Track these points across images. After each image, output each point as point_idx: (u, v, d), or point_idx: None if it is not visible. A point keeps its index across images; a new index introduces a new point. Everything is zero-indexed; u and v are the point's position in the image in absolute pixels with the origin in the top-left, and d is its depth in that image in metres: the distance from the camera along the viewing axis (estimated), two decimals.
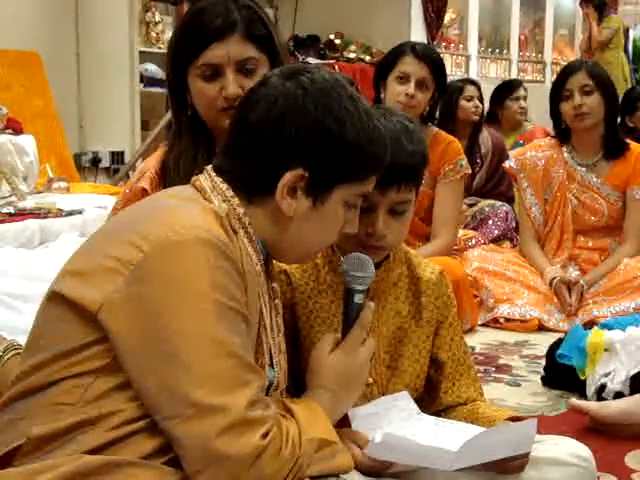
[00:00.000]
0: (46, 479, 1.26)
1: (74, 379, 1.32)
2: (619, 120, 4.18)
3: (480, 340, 3.64)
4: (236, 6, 1.97)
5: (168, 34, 7.20)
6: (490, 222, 4.96)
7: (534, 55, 11.24)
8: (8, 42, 5.99)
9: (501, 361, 3.36)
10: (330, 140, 1.40)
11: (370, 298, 1.62)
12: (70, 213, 4.75)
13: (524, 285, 3.96)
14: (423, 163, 1.67)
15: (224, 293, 1.31)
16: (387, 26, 8.30)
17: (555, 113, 4.01)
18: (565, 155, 4.06)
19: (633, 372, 2.70)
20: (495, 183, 5.44)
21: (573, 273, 4.00)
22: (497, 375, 3.17)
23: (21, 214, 4.60)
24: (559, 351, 2.91)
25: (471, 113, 5.39)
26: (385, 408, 1.65)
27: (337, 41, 8.55)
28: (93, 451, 1.29)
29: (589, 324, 3.46)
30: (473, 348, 3.44)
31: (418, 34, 8.60)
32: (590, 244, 4.08)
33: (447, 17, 9.46)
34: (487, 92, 6.31)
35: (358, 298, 1.55)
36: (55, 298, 1.36)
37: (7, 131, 5.33)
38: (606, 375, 2.75)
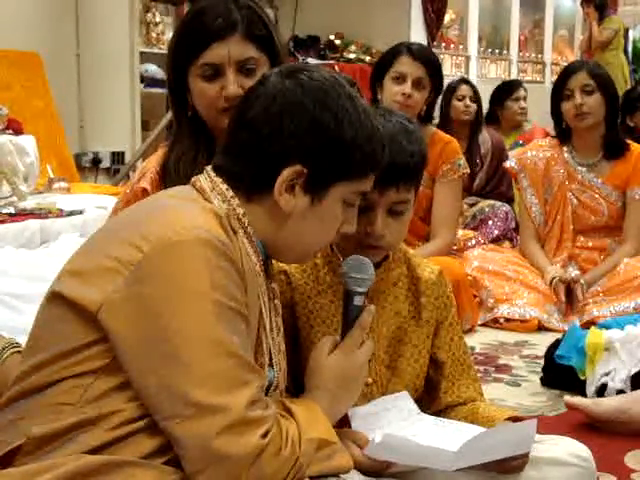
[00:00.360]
0: (46, 479, 1.26)
1: (74, 379, 1.32)
2: (619, 120, 4.18)
3: (480, 340, 3.64)
4: (236, 6, 1.97)
5: (168, 35, 7.20)
6: (490, 222, 4.97)
7: (534, 55, 11.23)
8: (8, 42, 5.99)
9: (501, 361, 3.36)
10: (328, 137, 1.41)
11: (370, 298, 1.63)
12: (70, 213, 4.75)
13: (524, 285, 3.96)
14: (422, 163, 1.67)
15: (224, 293, 1.31)
16: (387, 27, 8.29)
17: (556, 113, 4.01)
18: (565, 155, 4.06)
19: (634, 370, 2.70)
20: (495, 183, 5.45)
21: (573, 272, 4.00)
22: (497, 375, 3.17)
23: (22, 214, 4.60)
24: (558, 352, 2.91)
25: (461, 112, 5.38)
26: (385, 408, 1.65)
27: (337, 42, 8.54)
28: (93, 451, 1.29)
29: (589, 324, 3.46)
30: (473, 348, 3.44)
31: (418, 35, 8.59)
32: (590, 244, 4.08)
33: (447, 17, 9.45)
34: (487, 92, 6.32)
35: (358, 300, 1.55)
36: (55, 298, 1.37)
37: (7, 131, 5.32)
38: (606, 374, 2.76)
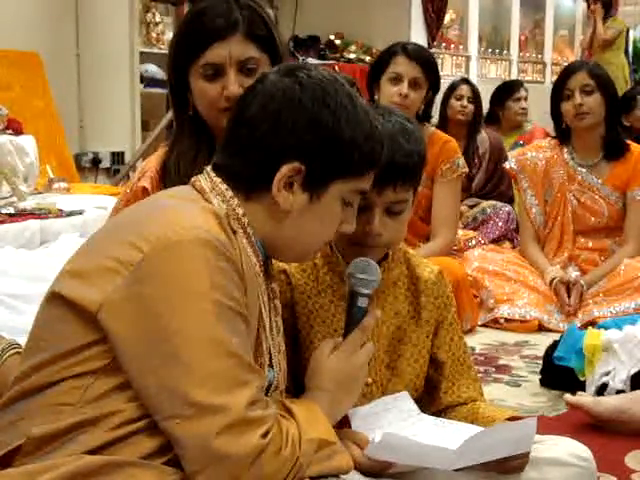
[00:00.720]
0: (46, 479, 1.26)
1: (74, 379, 1.32)
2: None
3: (480, 340, 3.64)
4: (237, 6, 1.97)
5: (168, 35, 7.20)
6: (491, 223, 4.97)
7: (534, 55, 11.24)
8: (8, 42, 6.00)
9: (501, 361, 3.36)
10: (326, 135, 1.41)
11: (371, 299, 1.63)
12: (70, 213, 4.75)
13: (524, 285, 3.96)
14: (421, 163, 1.67)
15: (224, 293, 1.31)
16: (387, 27, 8.29)
17: (556, 113, 4.01)
18: (565, 156, 4.06)
19: (634, 371, 2.70)
20: (495, 184, 5.44)
21: (573, 273, 4.00)
22: (497, 375, 3.17)
23: (21, 214, 4.60)
24: (556, 353, 2.91)
25: (457, 112, 5.38)
26: (385, 408, 1.65)
27: (337, 42, 8.54)
28: (93, 451, 1.29)
29: (589, 324, 3.46)
30: (473, 348, 3.44)
31: (418, 35, 8.59)
32: (590, 245, 4.08)
33: (447, 17, 9.45)
34: (487, 93, 6.32)
35: (362, 302, 1.55)
36: (55, 299, 1.36)
37: (7, 131, 5.33)
38: (606, 374, 2.75)
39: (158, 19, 7.38)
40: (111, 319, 1.30)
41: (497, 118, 6.22)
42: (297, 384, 1.60)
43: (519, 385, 3.07)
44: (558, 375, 2.92)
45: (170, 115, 2.19)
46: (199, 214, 1.36)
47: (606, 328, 2.89)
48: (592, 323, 3.47)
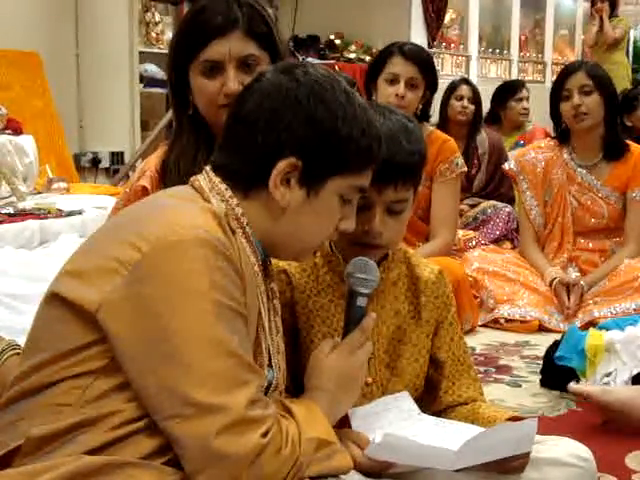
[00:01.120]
0: (46, 479, 1.25)
1: (74, 380, 1.32)
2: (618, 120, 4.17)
3: (480, 341, 3.64)
4: (237, 4, 1.97)
5: (168, 34, 7.21)
6: (491, 223, 4.96)
7: (534, 55, 11.24)
8: (8, 42, 6.00)
9: (501, 362, 3.36)
10: (322, 131, 1.41)
11: (370, 298, 1.62)
12: (70, 214, 4.75)
13: (524, 286, 3.96)
14: (421, 162, 1.67)
15: (223, 293, 1.30)
16: (387, 26, 8.30)
17: (555, 114, 4.01)
18: (565, 156, 4.06)
19: (636, 371, 2.70)
20: (496, 184, 5.43)
21: (573, 274, 4.00)
22: (497, 376, 3.17)
23: (21, 214, 4.60)
24: (557, 353, 2.91)
25: (457, 112, 5.37)
26: (385, 408, 1.64)
27: (337, 41, 8.55)
28: (93, 451, 1.29)
29: (589, 325, 3.46)
30: (473, 349, 3.44)
31: (418, 34, 8.60)
32: (590, 245, 4.08)
33: (447, 17, 9.46)
34: (487, 93, 6.31)
35: (361, 301, 1.55)
36: (54, 299, 1.36)
37: (7, 131, 5.33)
38: (607, 375, 2.75)
39: (158, 19, 7.38)
40: (110, 319, 1.29)
41: (498, 118, 6.21)
42: (297, 384, 1.59)
43: (519, 385, 3.06)
44: (558, 375, 2.92)
45: (170, 115, 2.19)
46: (198, 214, 1.36)
47: (607, 329, 2.89)
48: (592, 323, 3.47)
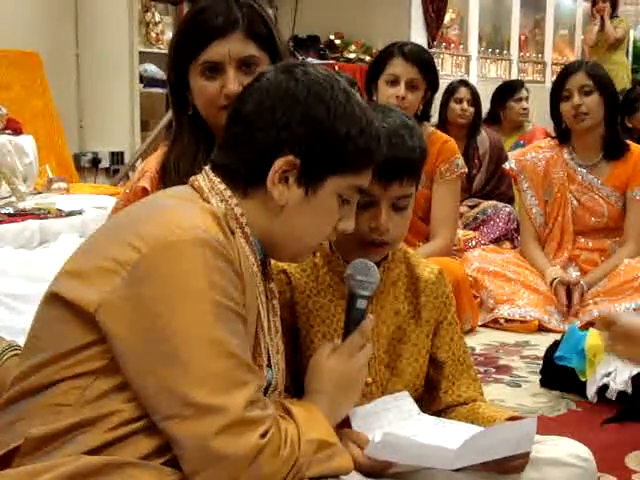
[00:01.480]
0: (46, 479, 1.25)
1: (73, 380, 1.32)
2: (619, 121, 4.17)
3: (480, 341, 3.64)
4: (237, 5, 1.97)
5: (168, 34, 7.20)
6: (491, 223, 4.96)
7: (534, 55, 11.24)
8: (8, 42, 5.99)
9: (501, 362, 3.36)
10: (320, 129, 1.41)
11: (370, 300, 1.62)
12: (70, 214, 4.75)
13: (524, 286, 3.96)
14: (424, 158, 1.69)
15: (222, 293, 1.30)
16: (387, 26, 8.29)
17: (555, 114, 4.01)
18: (565, 156, 4.06)
19: (635, 371, 2.70)
20: (495, 184, 5.43)
21: (573, 274, 4.00)
22: (497, 376, 3.17)
23: (21, 214, 4.60)
24: (557, 353, 2.91)
25: (458, 116, 5.37)
26: (385, 408, 1.64)
27: (337, 41, 8.54)
28: (92, 451, 1.29)
29: (589, 325, 3.46)
30: (473, 349, 3.44)
31: (418, 34, 8.59)
32: (590, 245, 4.08)
33: (447, 17, 9.45)
34: (487, 93, 6.31)
35: (360, 303, 1.55)
36: (53, 299, 1.36)
37: (7, 131, 5.33)
38: (607, 375, 2.75)
39: (158, 19, 7.37)
40: (110, 319, 1.29)
41: (498, 118, 6.21)
42: (297, 384, 1.60)
43: (519, 385, 3.06)
44: (558, 375, 2.92)
45: (169, 115, 2.18)
46: (197, 214, 1.36)
47: None
48: (592, 323, 3.47)
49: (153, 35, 7.26)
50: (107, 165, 6.83)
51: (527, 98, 6.26)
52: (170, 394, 1.27)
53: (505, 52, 10.62)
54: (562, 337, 2.99)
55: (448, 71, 9.36)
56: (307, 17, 8.58)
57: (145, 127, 6.95)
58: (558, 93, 3.97)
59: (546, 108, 4.11)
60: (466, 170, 3.84)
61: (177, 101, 2.06)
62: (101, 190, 5.86)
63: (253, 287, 1.42)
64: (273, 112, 1.41)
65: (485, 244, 4.59)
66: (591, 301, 3.84)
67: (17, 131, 5.41)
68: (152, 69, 7.00)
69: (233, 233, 1.40)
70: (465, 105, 5.38)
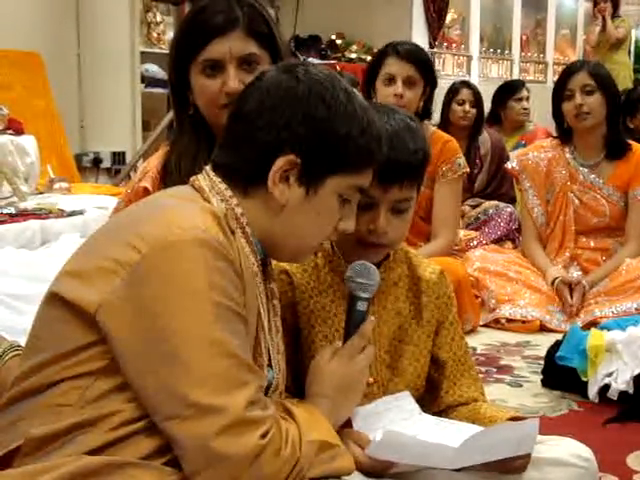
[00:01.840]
0: None
1: (73, 380, 1.32)
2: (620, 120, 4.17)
3: (482, 341, 3.64)
4: (238, 3, 1.97)
5: (169, 34, 7.21)
6: (493, 223, 4.96)
7: (536, 55, 11.24)
8: (9, 42, 5.99)
9: (502, 362, 3.36)
10: (321, 128, 1.41)
11: (370, 301, 1.62)
12: (71, 214, 4.75)
13: (526, 286, 3.96)
14: (426, 161, 1.68)
15: (222, 293, 1.30)
16: (388, 26, 8.29)
17: (557, 113, 4.01)
18: (567, 156, 4.06)
19: (637, 371, 2.70)
20: (497, 184, 5.43)
21: (575, 273, 4.00)
22: (498, 376, 3.17)
23: (22, 214, 4.60)
24: (559, 353, 2.91)
25: (459, 117, 5.37)
26: (386, 408, 1.64)
27: (338, 41, 8.55)
28: (93, 452, 1.29)
29: (591, 325, 3.46)
30: (474, 349, 3.44)
31: (419, 34, 8.60)
32: (592, 244, 4.08)
33: (448, 17, 9.46)
34: (489, 93, 6.31)
35: (361, 305, 1.55)
36: (54, 299, 1.36)
37: (8, 131, 5.33)
38: (609, 375, 2.75)
39: (159, 19, 7.38)
40: (110, 320, 1.29)
41: (499, 118, 6.21)
42: (298, 384, 1.59)
43: (520, 385, 3.06)
44: (560, 375, 2.92)
45: (171, 115, 2.18)
46: (198, 214, 1.36)
47: (608, 329, 2.89)
48: (594, 323, 3.47)
49: (154, 35, 7.27)
50: (108, 165, 6.83)
51: (528, 98, 6.26)
52: (170, 394, 1.27)
53: (507, 52, 10.63)
54: (563, 337, 2.99)
55: (449, 71, 9.37)
56: (308, 17, 8.59)
57: (146, 127, 6.96)
58: (560, 93, 3.97)
59: (548, 108, 4.11)
60: (468, 170, 3.84)
61: (178, 101, 2.07)
62: (102, 190, 5.86)
63: (253, 287, 1.42)
64: (274, 111, 1.41)
65: (487, 244, 4.58)
66: (592, 301, 3.84)
67: (18, 131, 5.41)
68: (153, 69, 7.01)
69: (233, 233, 1.40)
70: (467, 107, 5.37)
